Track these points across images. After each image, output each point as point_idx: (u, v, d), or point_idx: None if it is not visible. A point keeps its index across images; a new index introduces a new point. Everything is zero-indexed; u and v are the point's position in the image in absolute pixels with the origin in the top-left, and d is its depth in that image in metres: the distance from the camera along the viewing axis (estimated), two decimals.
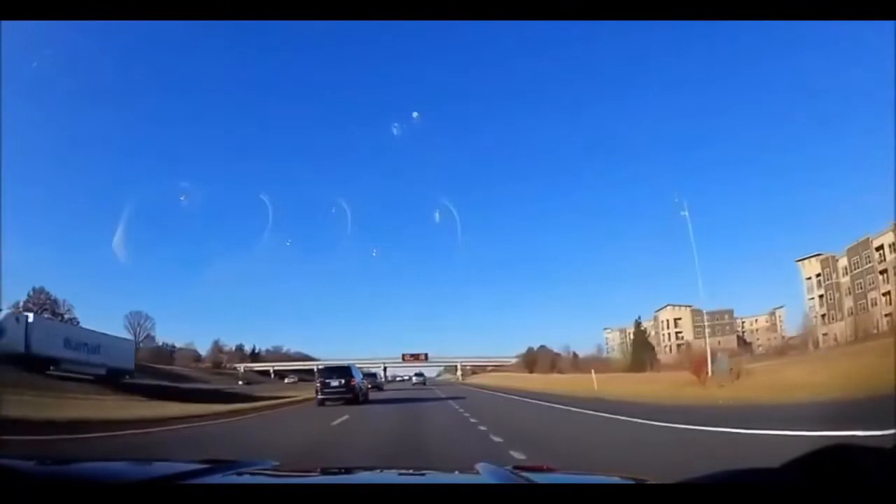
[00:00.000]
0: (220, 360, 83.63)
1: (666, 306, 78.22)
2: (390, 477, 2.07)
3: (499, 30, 77.80)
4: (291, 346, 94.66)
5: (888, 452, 0.98)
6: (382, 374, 59.54)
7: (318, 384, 20.48)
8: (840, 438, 5.58)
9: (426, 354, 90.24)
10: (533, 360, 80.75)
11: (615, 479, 1.77)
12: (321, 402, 19.37)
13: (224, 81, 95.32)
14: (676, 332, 76.61)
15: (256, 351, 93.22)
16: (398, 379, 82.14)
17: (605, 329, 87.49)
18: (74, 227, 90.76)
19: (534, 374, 64.59)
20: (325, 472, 2.20)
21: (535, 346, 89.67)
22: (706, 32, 75.66)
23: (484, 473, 1.70)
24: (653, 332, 78.67)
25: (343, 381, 20.06)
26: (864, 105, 68.95)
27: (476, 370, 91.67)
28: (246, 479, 1.62)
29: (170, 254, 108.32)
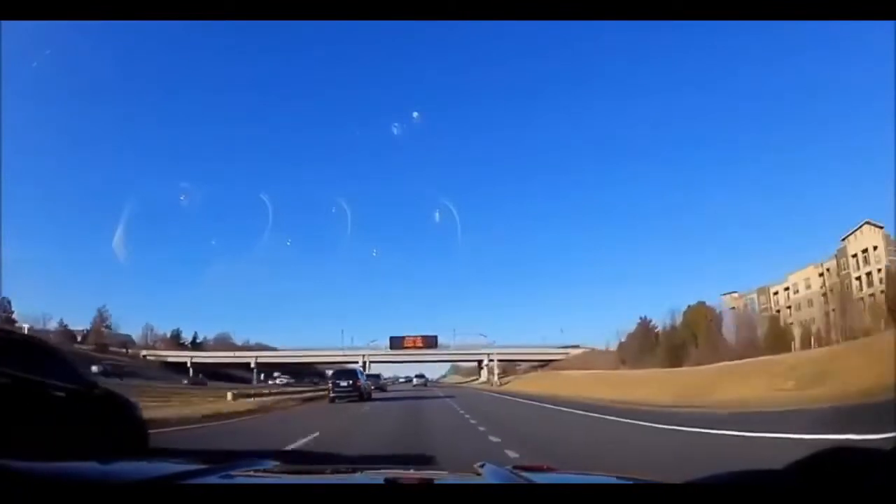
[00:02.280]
0: (106, 341, 60.84)
1: (863, 225, 45.78)
2: (390, 476, 2.07)
3: (499, 30, 78.00)
4: (252, 336, 77.79)
5: (888, 453, 0.98)
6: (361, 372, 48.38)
7: (330, 384, 24.94)
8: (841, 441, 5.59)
9: (435, 338, 58.21)
10: (678, 341, 39.73)
11: (615, 479, 1.77)
12: (332, 400, 23.10)
13: (222, 80, 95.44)
14: (878, 271, 42.93)
15: (198, 340, 73.87)
16: (401, 380, 69.12)
17: (727, 294, 55.59)
18: (62, 223, 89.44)
19: (706, 368, 25.76)
20: (325, 471, 2.20)
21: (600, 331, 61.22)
22: (707, 32, 75.51)
23: (484, 473, 1.70)
24: (835, 277, 47.52)
25: (350, 382, 24.23)
26: (864, 105, 68.94)
27: (507, 369, 62.54)
28: (246, 479, 1.62)
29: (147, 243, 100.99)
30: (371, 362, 58.31)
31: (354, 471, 2.19)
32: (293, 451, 7.69)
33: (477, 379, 71.50)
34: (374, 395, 27.97)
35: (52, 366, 5.22)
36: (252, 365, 67.28)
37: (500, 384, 49.61)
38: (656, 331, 48.45)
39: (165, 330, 72.34)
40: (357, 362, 52.00)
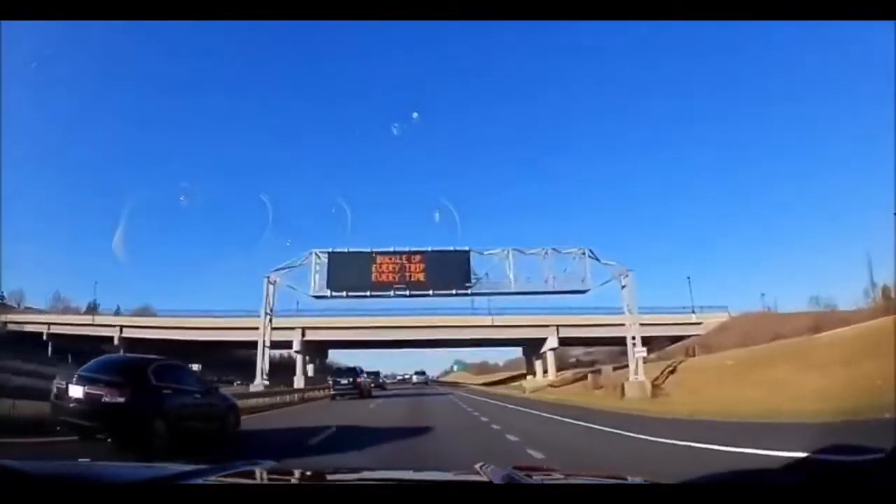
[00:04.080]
0: None
1: None
2: (390, 476, 2.07)
3: (501, 30, 77.43)
4: (192, 307, 60.71)
5: (888, 454, 0.98)
6: (305, 366, 36.30)
7: (331, 381, 25.71)
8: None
9: (466, 257, 22.25)
10: None
11: (615, 480, 1.77)
12: (333, 397, 23.52)
13: (218, 75, 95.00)
14: None
15: (121, 313, 51.55)
16: (400, 377, 65.13)
17: None
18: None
19: None
20: (324, 472, 2.20)
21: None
22: (706, 32, 74.45)
23: (483, 473, 1.70)
24: None
25: (351, 380, 25.00)
26: (864, 104, 67.61)
27: (561, 357, 34.55)
28: (245, 479, 1.62)
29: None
30: (306, 340, 35.52)
31: (353, 471, 2.19)
32: (298, 450, 7.74)
33: (526, 376, 38.52)
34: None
35: (189, 377, 8.11)
36: (115, 341, 41.84)
37: (655, 391, 20.26)
38: None
39: (80, 303, 56.09)
40: (290, 340, 34.87)
